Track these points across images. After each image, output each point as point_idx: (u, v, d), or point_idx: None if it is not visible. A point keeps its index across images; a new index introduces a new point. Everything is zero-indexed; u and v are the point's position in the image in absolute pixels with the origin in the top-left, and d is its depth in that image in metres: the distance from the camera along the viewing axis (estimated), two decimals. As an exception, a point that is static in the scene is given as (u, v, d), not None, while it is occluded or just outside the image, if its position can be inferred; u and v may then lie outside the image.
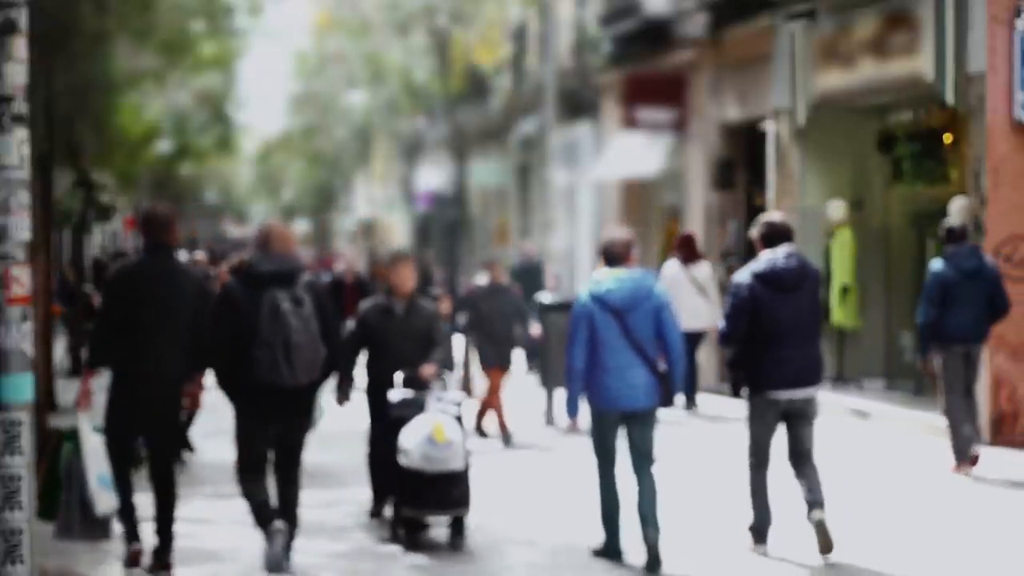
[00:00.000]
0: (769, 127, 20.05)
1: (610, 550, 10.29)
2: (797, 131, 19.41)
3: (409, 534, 10.99)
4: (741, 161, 21.93)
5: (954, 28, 15.94)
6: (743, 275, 10.28)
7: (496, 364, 16.68)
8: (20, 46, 7.71)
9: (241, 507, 12.32)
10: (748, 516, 10.54)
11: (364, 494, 13.12)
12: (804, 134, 19.41)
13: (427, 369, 11.44)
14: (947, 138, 17.79)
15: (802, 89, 19.00)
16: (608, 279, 10.00)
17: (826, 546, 10.07)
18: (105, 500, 9.51)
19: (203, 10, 28.35)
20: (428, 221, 45.06)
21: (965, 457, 13.62)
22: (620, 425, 10.09)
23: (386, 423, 11.22)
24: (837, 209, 18.97)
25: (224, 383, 9.86)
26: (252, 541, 11.03)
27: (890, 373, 19.20)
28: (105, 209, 31.89)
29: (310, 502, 12.77)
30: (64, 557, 10.38)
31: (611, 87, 26.51)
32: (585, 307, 9.95)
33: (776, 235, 10.33)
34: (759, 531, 10.46)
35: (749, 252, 21.20)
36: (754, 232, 10.53)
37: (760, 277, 10.15)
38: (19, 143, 7.71)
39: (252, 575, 10.03)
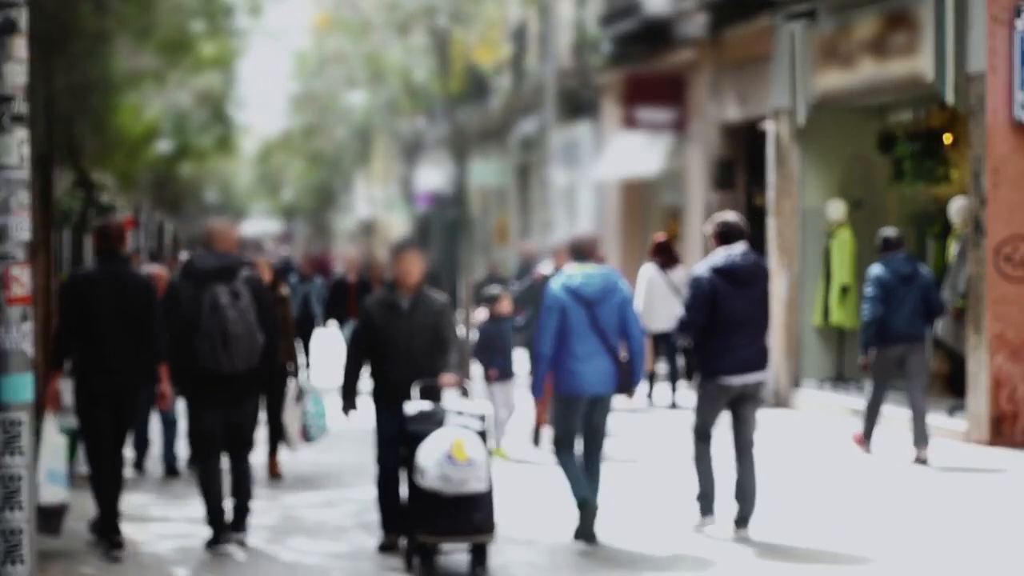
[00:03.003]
0: (769, 127, 20.04)
1: (586, 532, 10.77)
2: (797, 131, 19.40)
3: (424, 562, 9.98)
4: (741, 161, 21.91)
5: (954, 28, 15.93)
6: (702, 269, 10.95)
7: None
8: (20, 46, 7.72)
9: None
10: (694, 487, 11.15)
11: (364, 494, 13.12)
12: (804, 134, 19.40)
13: (447, 378, 10.41)
14: (947, 138, 17.79)
15: (802, 89, 18.99)
16: (579, 273, 10.75)
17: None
18: (50, 493, 10.08)
19: (203, 10, 28.31)
20: (428, 221, 45.02)
21: (869, 438, 15.05)
22: (583, 409, 10.76)
23: (397, 437, 10.22)
24: (837, 209, 18.97)
25: (175, 373, 10.70)
26: (252, 541, 11.04)
27: (890, 373, 19.19)
28: (105, 209, 31.80)
29: (310, 502, 12.79)
30: (64, 557, 10.38)
31: (611, 87, 26.50)
32: (558, 298, 10.66)
33: (731, 233, 11.04)
34: (706, 498, 11.10)
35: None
36: (709, 229, 11.22)
37: (719, 271, 10.84)
38: (19, 143, 7.71)
39: (252, 574, 10.03)
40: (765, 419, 18.35)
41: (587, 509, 10.73)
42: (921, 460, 14.51)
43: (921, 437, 14.57)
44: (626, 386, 10.83)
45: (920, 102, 17.81)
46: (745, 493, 10.98)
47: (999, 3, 15.40)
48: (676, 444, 16.00)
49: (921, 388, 14.69)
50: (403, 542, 10.41)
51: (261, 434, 14.19)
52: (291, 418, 13.41)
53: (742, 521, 10.99)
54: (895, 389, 15.09)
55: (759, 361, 10.95)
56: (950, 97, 16.07)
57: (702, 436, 11.11)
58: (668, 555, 10.52)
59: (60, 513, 10.32)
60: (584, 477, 10.82)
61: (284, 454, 14.36)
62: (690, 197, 23.18)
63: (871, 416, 15.11)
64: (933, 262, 18.13)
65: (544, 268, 16.17)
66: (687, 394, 19.52)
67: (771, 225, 19.97)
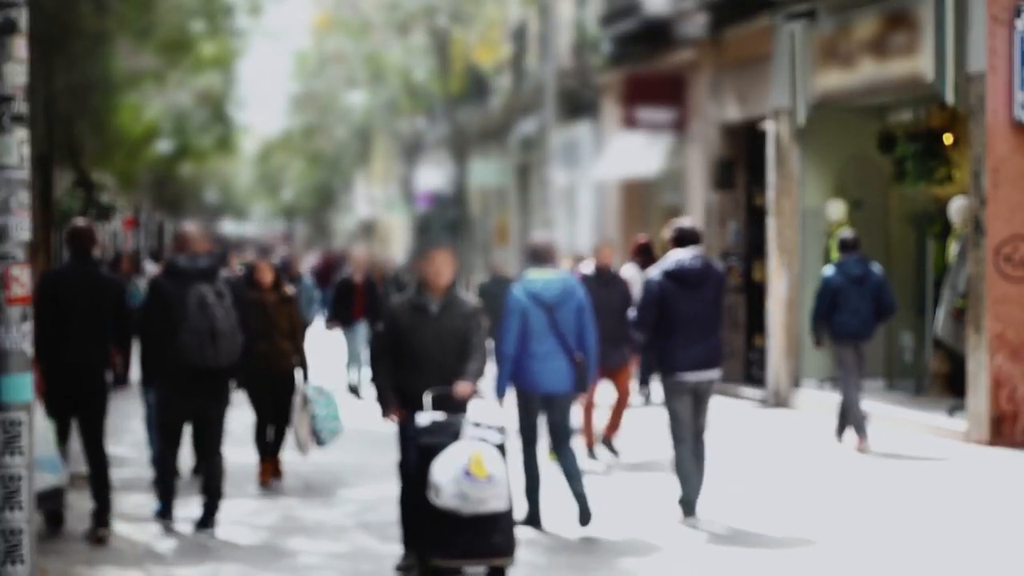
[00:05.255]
0: (769, 127, 20.04)
1: (533, 519, 11.31)
2: (797, 131, 19.40)
3: None
4: (741, 161, 21.91)
5: (954, 28, 15.93)
6: (655, 272, 11.54)
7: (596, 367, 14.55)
8: (20, 46, 7.71)
9: (241, 507, 12.36)
10: (676, 490, 11.59)
11: (364, 494, 13.13)
12: (804, 134, 19.40)
13: (463, 386, 9.62)
14: (947, 138, 17.78)
15: (802, 89, 18.99)
16: (539, 278, 11.24)
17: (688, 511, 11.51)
18: (40, 479, 10.17)
19: (203, 10, 28.34)
20: (428, 221, 45.05)
21: (864, 432, 15.36)
22: (542, 407, 11.26)
23: (417, 451, 9.46)
24: (837, 209, 18.97)
25: (153, 364, 11.23)
26: (252, 541, 11.05)
27: (890, 373, 19.19)
28: (105, 209, 31.88)
29: (310, 502, 12.79)
30: (64, 557, 10.39)
31: (611, 87, 26.50)
32: (519, 301, 11.11)
33: (685, 238, 11.62)
34: (687, 503, 11.54)
35: (749, 251, 21.34)
36: (666, 234, 11.82)
37: (669, 274, 11.43)
38: (19, 143, 7.71)
39: (252, 574, 10.04)
40: (766, 419, 18.38)
41: (535, 518, 11.34)
42: (840, 444, 15.67)
43: (842, 427, 15.66)
44: (579, 383, 11.35)
45: (920, 102, 17.81)
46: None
47: (999, 3, 15.40)
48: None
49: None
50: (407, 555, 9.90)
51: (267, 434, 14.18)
52: (300, 422, 13.32)
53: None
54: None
55: (712, 359, 11.51)
56: (950, 97, 16.07)
57: (679, 438, 11.52)
58: (666, 556, 10.53)
59: (57, 496, 10.84)
60: (565, 466, 11.34)
61: (289, 455, 14.32)
62: (690, 197, 23.19)
63: (855, 412, 15.52)
64: (933, 262, 18.13)
65: (585, 268, 15.28)
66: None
67: (771, 225, 19.97)
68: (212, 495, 11.18)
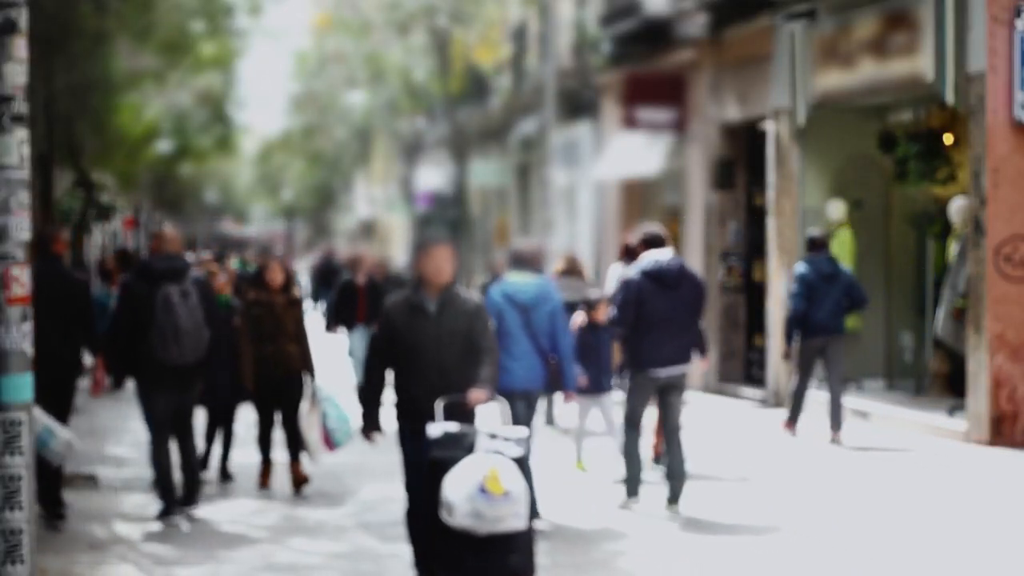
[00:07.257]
0: (769, 127, 20.04)
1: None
2: (797, 131, 19.40)
3: None
4: (741, 161, 21.91)
5: (954, 28, 15.92)
6: (633, 272, 12.00)
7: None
8: (20, 46, 7.71)
9: (241, 507, 12.36)
10: (621, 472, 12.16)
11: (364, 494, 13.13)
12: (804, 134, 19.39)
13: (476, 394, 8.87)
14: (948, 138, 17.78)
15: (802, 89, 18.98)
16: (518, 281, 11.66)
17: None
18: (65, 442, 10.86)
19: (203, 10, 28.36)
20: (428, 221, 45.07)
21: (795, 423, 16.34)
22: (520, 402, 11.47)
23: (424, 464, 8.73)
24: (837, 209, 18.97)
25: (126, 362, 11.77)
26: (252, 541, 11.05)
27: (890, 373, 19.19)
28: (105, 209, 31.91)
29: (310, 502, 12.79)
30: (64, 557, 10.40)
31: (611, 87, 26.50)
32: (495, 302, 11.50)
33: (655, 242, 12.14)
34: (632, 482, 12.06)
35: (749, 251, 21.33)
36: (634, 238, 12.46)
37: (647, 274, 11.90)
38: (19, 143, 7.71)
39: (252, 574, 10.04)
40: (765, 419, 18.38)
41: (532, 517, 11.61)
42: (835, 442, 15.84)
43: (836, 421, 15.96)
44: (558, 387, 11.86)
45: (920, 102, 17.80)
46: (675, 473, 11.98)
47: (999, 3, 15.40)
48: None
49: (838, 376, 16.12)
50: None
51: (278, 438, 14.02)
52: (309, 426, 13.12)
53: (674, 498, 11.98)
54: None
55: (683, 355, 11.98)
56: (950, 97, 16.07)
57: (632, 425, 12.03)
58: (666, 555, 10.53)
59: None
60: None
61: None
62: (690, 197, 23.19)
63: (796, 403, 16.35)
64: (933, 262, 18.13)
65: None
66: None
67: (771, 225, 19.97)
68: (189, 475, 11.83)
